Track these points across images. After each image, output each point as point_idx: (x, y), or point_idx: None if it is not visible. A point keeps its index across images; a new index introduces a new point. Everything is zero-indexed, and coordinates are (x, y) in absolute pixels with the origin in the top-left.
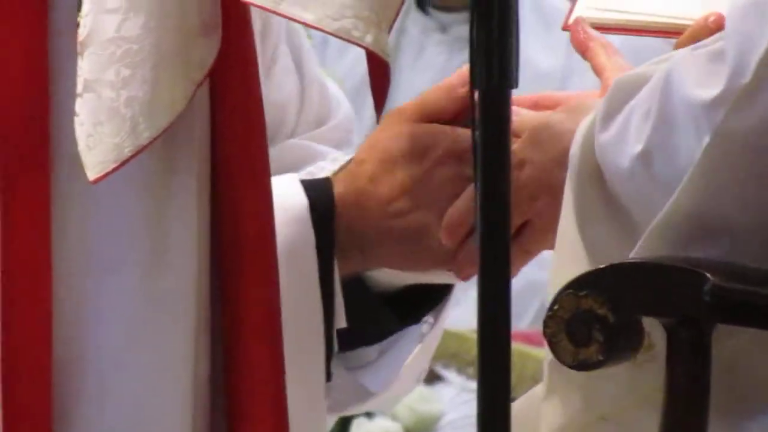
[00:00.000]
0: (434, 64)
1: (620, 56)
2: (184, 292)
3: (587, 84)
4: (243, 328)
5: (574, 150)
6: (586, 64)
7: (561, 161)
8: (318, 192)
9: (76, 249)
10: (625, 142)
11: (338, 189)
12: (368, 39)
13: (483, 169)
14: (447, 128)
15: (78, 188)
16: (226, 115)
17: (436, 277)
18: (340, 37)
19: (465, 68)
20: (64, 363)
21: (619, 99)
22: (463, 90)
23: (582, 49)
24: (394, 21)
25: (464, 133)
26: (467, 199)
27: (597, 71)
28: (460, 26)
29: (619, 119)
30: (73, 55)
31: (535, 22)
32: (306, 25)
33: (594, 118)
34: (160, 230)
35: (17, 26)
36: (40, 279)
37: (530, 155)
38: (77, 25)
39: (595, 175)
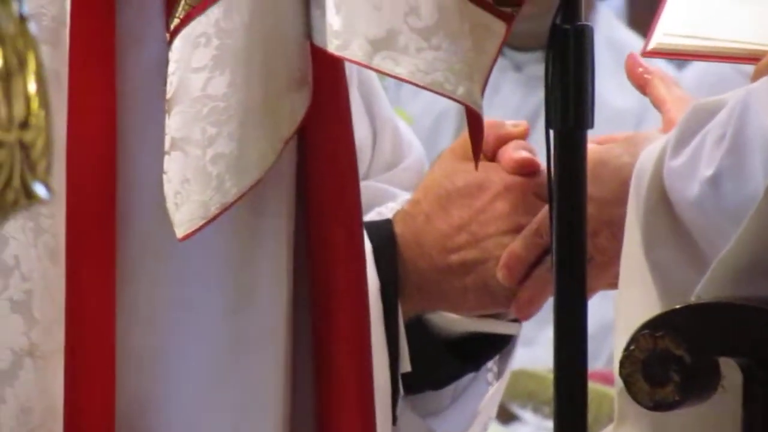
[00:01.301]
0: (509, 103)
1: (679, 88)
2: (271, 334)
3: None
4: (336, 370)
5: (640, 177)
6: None
7: (620, 196)
8: (380, 234)
9: (155, 291)
10: (696, 167)
11: (397, 229)
12: (460, 91)
13: (558, 209)
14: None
15: (158, 231)
16: (320, 162)
17: (496, 326)
18: (433, 90)
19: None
20: (142, 402)
21: (693, 125)
22: (509, 127)
23: (641, 83)
24: (488, 72)
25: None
26: (525, 237)
27: (657, 104)
28: (535, 65)
29: (693, 145)
30: (143, 113)
31: (610, 60)
32: (398, 79)
33: (665, 144)
34: (247, 272)
35: (88, 87)
36: (104, 326)
37: (590, 192)
38: (165, 83)
39: (663, 202)
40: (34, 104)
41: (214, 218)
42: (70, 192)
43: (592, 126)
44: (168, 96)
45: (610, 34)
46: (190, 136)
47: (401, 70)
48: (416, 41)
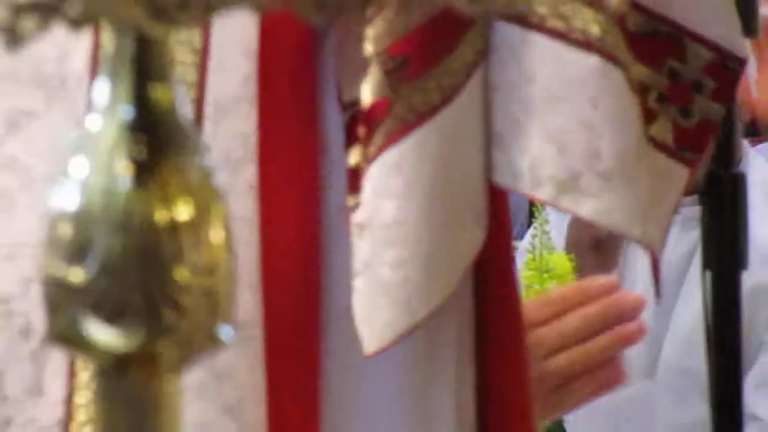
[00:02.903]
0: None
1: None
2: None
3: None
4: None
5: None
6: None
7: None
8: None
9: (345, 427)
10: None
11: None
12: (637, 232)
13: (715, 352)
14: None
15: (348, 364)
16: (489, 298)
17: None
18: (613, 231)
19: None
20: None
21: None
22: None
23: None
24: (669, 217)
25: None
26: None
27: None
28: (690, 206)
29: None
30: (339, 232)
31: (762, 201)
32: (582, 218)
33: None
34: (424, 403)
35: (291, 201)
36: None
37: None
38: (351, 206)
39: None
40: (220, 252)
41: (401, 337)
42: (268, 298)
43: (746, 267)
44: (359, 220)
45: (763, 176)
46: (381, 259)
47: (583, 211)
48: (597, 183)
